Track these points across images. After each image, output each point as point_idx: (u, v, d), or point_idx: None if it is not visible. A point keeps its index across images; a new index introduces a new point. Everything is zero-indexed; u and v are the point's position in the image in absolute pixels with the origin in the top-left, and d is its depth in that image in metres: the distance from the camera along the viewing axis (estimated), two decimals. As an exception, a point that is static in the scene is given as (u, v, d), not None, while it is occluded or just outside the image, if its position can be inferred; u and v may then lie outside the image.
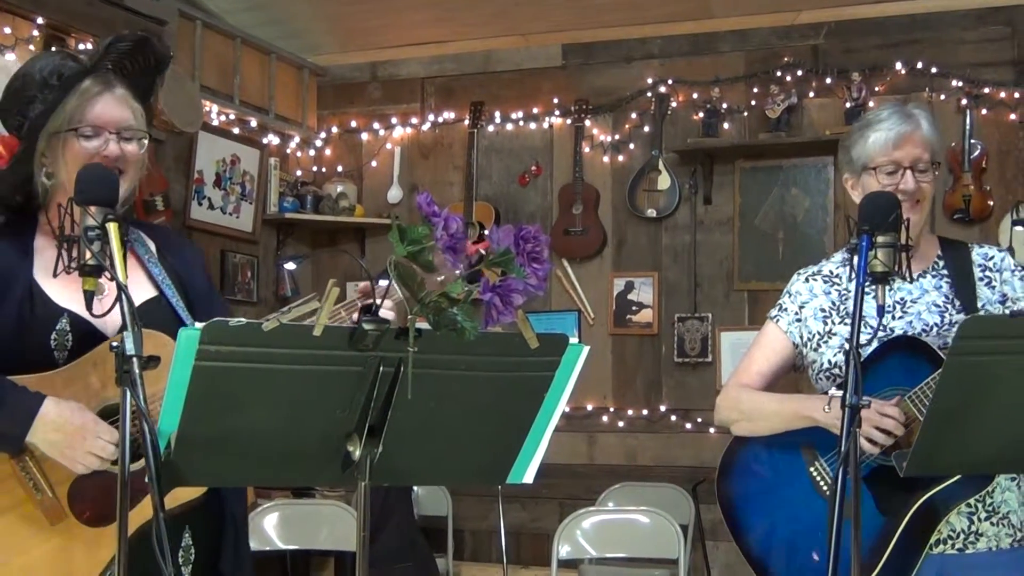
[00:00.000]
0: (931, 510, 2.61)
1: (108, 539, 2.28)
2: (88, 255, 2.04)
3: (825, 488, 2.73)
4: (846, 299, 2.84)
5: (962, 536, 2.66)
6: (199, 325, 1.77)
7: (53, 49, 2.40)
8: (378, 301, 1.85)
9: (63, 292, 2.34)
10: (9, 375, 2.31)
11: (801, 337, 2.89)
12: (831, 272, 2.91)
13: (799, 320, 2.89)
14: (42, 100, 2.41)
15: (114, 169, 2.35)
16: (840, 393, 2.17)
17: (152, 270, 2.52)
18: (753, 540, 2.85)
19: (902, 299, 2.78)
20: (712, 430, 5.41)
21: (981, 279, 2.79)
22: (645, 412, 6.00)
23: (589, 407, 6.04)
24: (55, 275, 2.09)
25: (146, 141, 2.48)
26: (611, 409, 6.05)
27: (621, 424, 6.03)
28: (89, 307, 2.07)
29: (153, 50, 2.53)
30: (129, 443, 1.90)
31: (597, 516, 4.48)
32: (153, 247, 2.59)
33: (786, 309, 2.92)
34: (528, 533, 6.09)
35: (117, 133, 2.41)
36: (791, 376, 3.01)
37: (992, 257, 2.83)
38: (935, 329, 2.73)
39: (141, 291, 2.47)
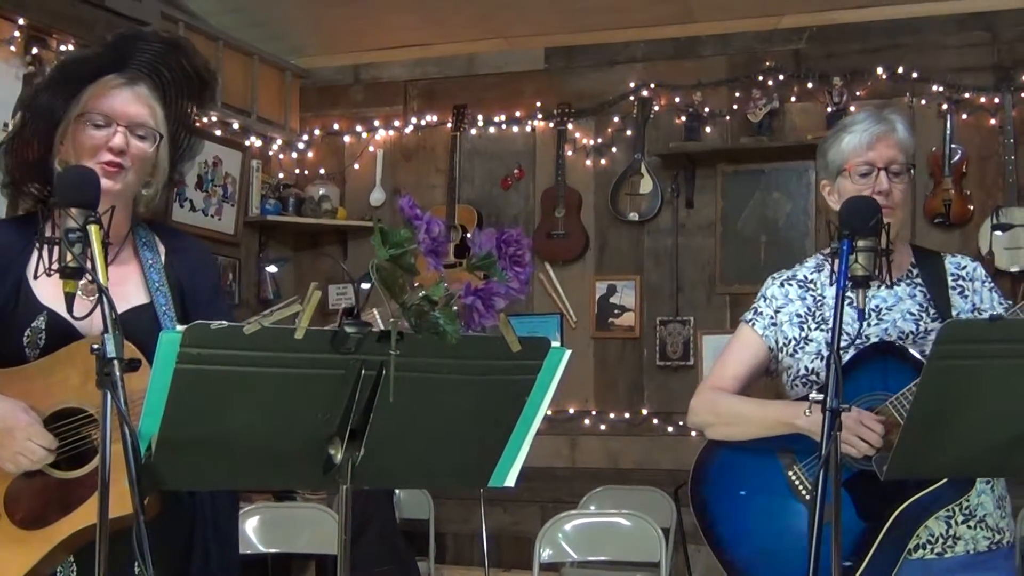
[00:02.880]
0: (911, 516, 2.61)
1: (36, 543, 2.27)
2: (69, 257, 2.03)
3: (804, 492, 2.73)
4: (821, 304, 2.84)
5: (940, 540, 2.67)
6: (180, 328, 1.76)
7: (70, 48, 2.40)
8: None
9: (49, 290, 2.32)
10: None
11: (777, 342, 2.88)
12: (805, 277, 2.91)
13: (775, 324, 2.89)
14: (61, 87, 2.42)
15: (113, 163, 2.37)
16: (820, 397, 2.18)
17: (150, 276, 2.49)
18: (730, 545, 2.83)
19: (877, 306, 2.79)
20: (694, 434, 5.42)
21: (954, 288, 2.81)
22: (627, 415, 6.01)
23: (571, 410, 6.04)
24: (35, 277, 2.07)
25: (160, 142, 2.46)
26: (593, 412, 6.06)
27: (603, 427, 6.04)
28: (70, 309, 2.06)
29: (186, 58, 2.52)
30: (107, 445, 1.89)
31: (579, 519, 4.48)
32: (163, 252, 2.57)
33: (761, 313, 2.91)
34: (510, 536, 6.09)
35: (128, 127, 2.41)
36: (768, 382, 3.00)
37: (965, 267, 2.85)
38: (910, 337, 2.74)
39: (132, 297, 2.46)
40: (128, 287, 2.46)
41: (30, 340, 2.36)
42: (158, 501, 2.27)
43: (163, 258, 2.55)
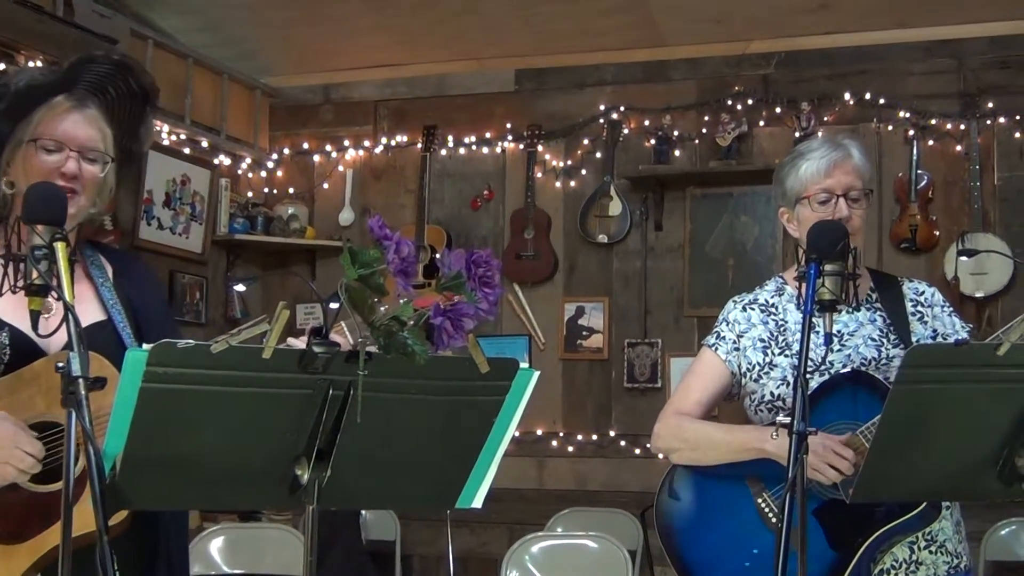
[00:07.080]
0: (880, 544, 2.62)
1: (18, 558, 2.24)
2: (35, 274, 2.01)
3: (774, 519, 2.70)
4: (784, 329, 2.84)
5: (904, 566, 2.68)
6: (147, 346, 1.75)
7: (38, 64, 2.40)
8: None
9: (9, 307, 2.29)
10: None
11: (740, 367, 2.87)
12: (767, 302, 2.91)
13: (738, 349, 2.87)
14: (12, 109, 2.40)
15: (67, 188, 2.35)
16: (787, 421, 2.18)
17: (104, 294, 2.49)
18: (698, 572, 2.80)
19: (839, 331, 2.78)
20: (662, 456, 5.41)
21: (913, 314, 2.82)
22: (595, 437, 6.01)
23: (539, 432, 6.03)
24: (0, 294, 2.06)
25: (109, 165, 2.46)
26: (561, 434, 6.05)
27: (571, 449, 6.03)
28: (35, 327, 2.05)
29: (134, 77, 2.52)
30: (71, 464, 1.87)
31: (546, 541, 4.47)
32: (110, 271, 2.57)
33: (724, 337, 2.90)
34: (476, 558, 6.07)
35: (80, 152, 2.40)
36: (737, 406, 3.00)
37: (923, 292, 2.86)
38: (872, 363, 2.74)
39: (89, 314, 2.44)
40: (84, 305, 2.44)
41: None
42: (129, 513, 2.25)
43: (111, 277, 2.55)
